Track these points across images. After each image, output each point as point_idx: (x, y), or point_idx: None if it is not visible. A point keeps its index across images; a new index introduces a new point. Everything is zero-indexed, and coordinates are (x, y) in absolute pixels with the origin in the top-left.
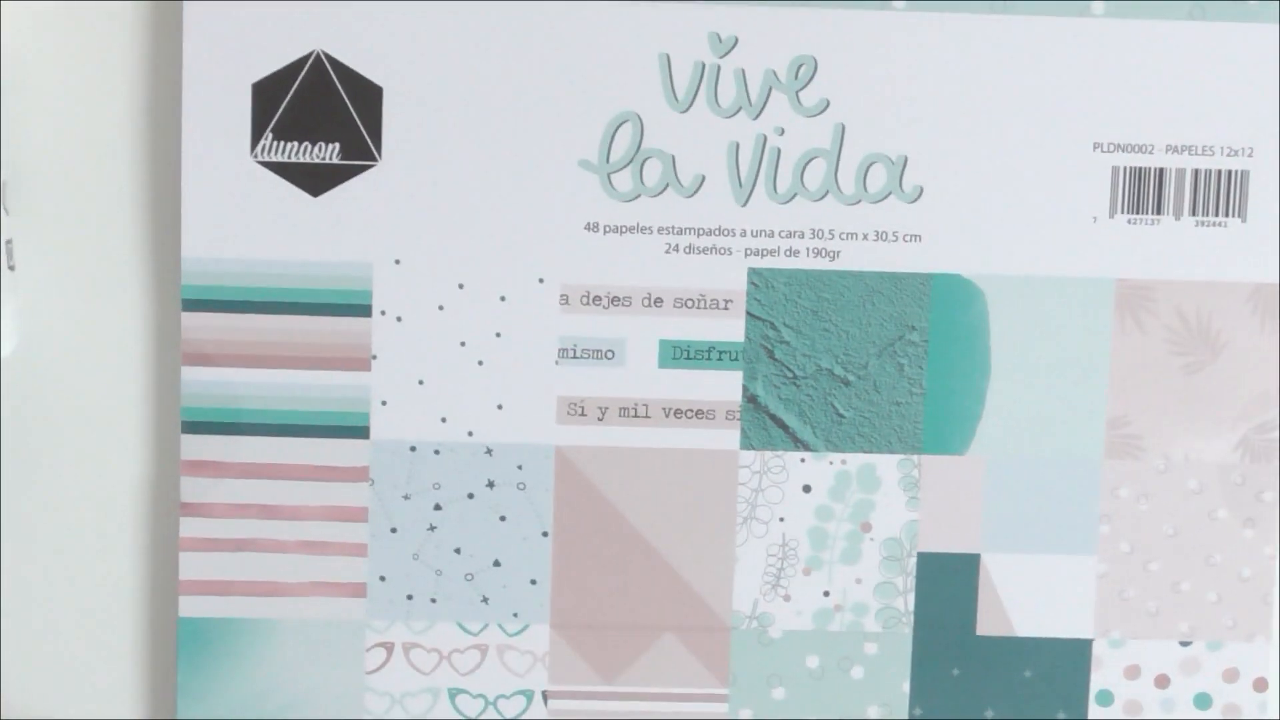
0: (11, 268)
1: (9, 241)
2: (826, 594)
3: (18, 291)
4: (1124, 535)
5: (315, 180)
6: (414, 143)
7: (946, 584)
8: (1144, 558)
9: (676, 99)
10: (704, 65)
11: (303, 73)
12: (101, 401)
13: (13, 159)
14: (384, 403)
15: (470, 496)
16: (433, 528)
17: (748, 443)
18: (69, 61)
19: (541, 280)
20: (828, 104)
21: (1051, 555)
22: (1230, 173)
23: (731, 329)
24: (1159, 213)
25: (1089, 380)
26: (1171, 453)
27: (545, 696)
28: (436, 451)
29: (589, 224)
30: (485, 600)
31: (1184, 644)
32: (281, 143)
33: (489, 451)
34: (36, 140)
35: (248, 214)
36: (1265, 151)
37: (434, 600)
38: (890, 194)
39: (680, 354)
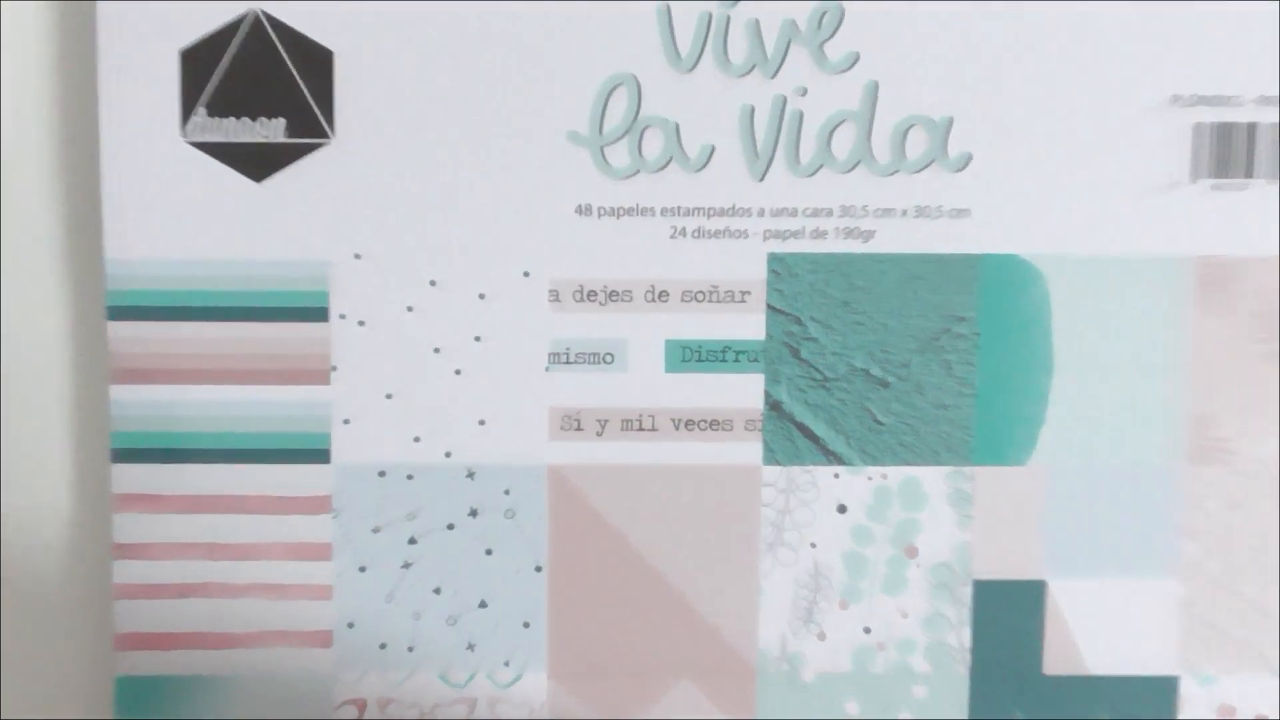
0: None
1: None
2: (867, 630)
3: None
4: (1211, 553)
5: (258, 163)
6: (372, 116)
7: (1007, 616)
8: (1234, 578)
9: (679, 57)
10: (710, 16)
11: (238, 36)
12: (16, 427)
13: None
14: (346, 421)
15: (450, 527)
16: (407, 565)
17: (771, 457)
18: None
19: (527, 274)
20: (857, 58)
21: (1127, 579)
22: None
23: (750, 325)
24: (1249, 176)
25: (1168, 375)
26: (1264, 455)
27: None
28: (410, 476)
29: (580, 207)
30: (471, 647)
31: None
32: (216, 119)
33: (471, 474)
34: None
35: (179, 205)
36: None
37: (411, 649)
38: (932, 162)
39: (691, 356)
